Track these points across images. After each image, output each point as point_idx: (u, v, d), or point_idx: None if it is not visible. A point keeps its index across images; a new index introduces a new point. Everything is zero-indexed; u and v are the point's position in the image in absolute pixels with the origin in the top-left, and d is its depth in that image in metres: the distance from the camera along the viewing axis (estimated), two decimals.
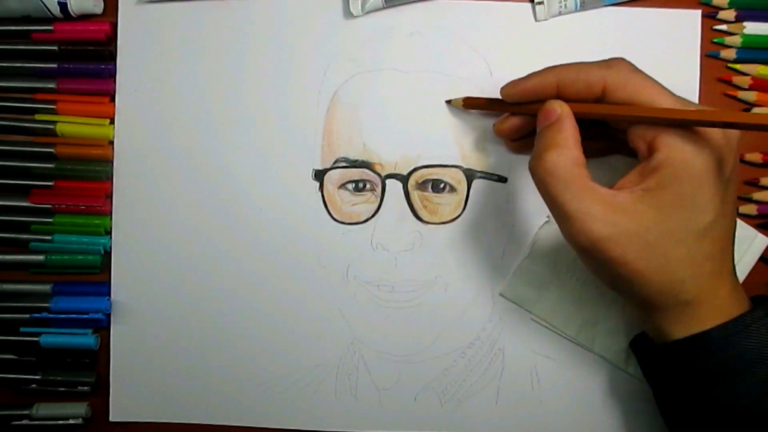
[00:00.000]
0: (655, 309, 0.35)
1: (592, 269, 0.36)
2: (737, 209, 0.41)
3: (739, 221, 0.39)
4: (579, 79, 0.35)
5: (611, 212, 0.32)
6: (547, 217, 0.42)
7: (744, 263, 0.41)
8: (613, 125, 0.37)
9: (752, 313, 0.34)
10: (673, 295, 0.34)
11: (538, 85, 0.36)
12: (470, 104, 0.41)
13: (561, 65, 0.36)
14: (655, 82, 0.34)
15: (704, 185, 0.33)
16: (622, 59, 0.35)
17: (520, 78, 0.37)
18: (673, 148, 0.33)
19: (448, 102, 0.42)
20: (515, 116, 0.40)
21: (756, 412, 0.33)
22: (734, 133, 0.33)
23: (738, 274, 0.37)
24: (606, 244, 0.32)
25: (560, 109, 0.35)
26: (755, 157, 0.42)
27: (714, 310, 0.34)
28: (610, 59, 0.36)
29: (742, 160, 0.42)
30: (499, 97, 0.39)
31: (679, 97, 0.34)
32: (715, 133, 0.33)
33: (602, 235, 0.32)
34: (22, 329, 0.43)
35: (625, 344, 0.42)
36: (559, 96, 0.36)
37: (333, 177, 0.43)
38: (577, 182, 0.33)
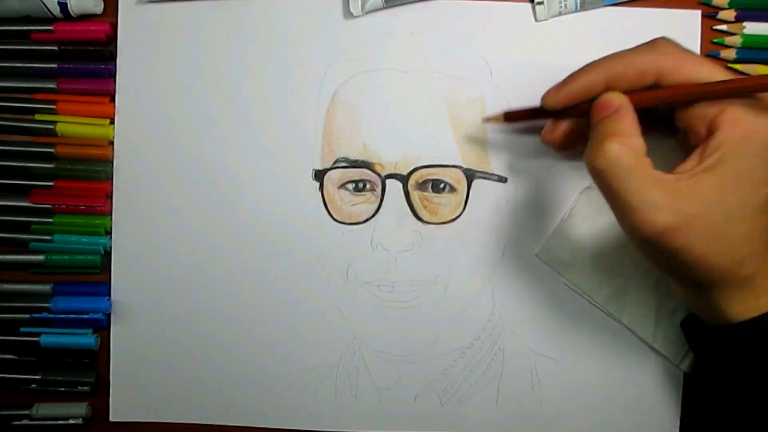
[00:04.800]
0: (712, 289, 0.34)
1: (651, 258, 0.35)
2: None
3: None
4: (628, 71, 0.34)
5: (675, 199, 0.32)
6: (590, 184, 0.42)
7: None
8: (663, 112, 0.36)
9: None
10: (733, 274, 0.33)
11: (584, 86, 0.35)
12: (511, 118, 0.40)
13: (605, 58, 0.35)
14: (705, 58, 0.34)
15: (762, 159, 0.32)
16: (666, 38, 0.35)
17: (562, 82, 0.36)
18: (735, 123, 0.32)
19: (487, 119, 0.41)
20: (563, 121, 0.38)
21: None
22: None
23: None
24: (671, 234, 0.32)
25: (618, 99, 0.34)
26: None
27: None
28: (653, 40, 0.35)
29: None
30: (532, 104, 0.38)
31: (725, 69, 0.34)
32: None
33: (668, 225, 0.32)
34: (22, 329, 0.43)
35: (654, 317, 0.41)
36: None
37: (333, 177, 0.43)
38: (640, 171, 0.32)
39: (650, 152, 0.33)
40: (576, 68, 0.36)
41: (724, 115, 0.33)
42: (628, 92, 0.34)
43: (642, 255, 0.35)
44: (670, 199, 0.32)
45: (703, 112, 0.33)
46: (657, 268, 0.36)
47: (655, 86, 0.34)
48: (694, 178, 0.32)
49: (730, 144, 0.32)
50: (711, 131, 0.33)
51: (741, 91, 0.33)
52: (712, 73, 0.33)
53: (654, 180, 0.32)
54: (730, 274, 0.33)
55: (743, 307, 0.34)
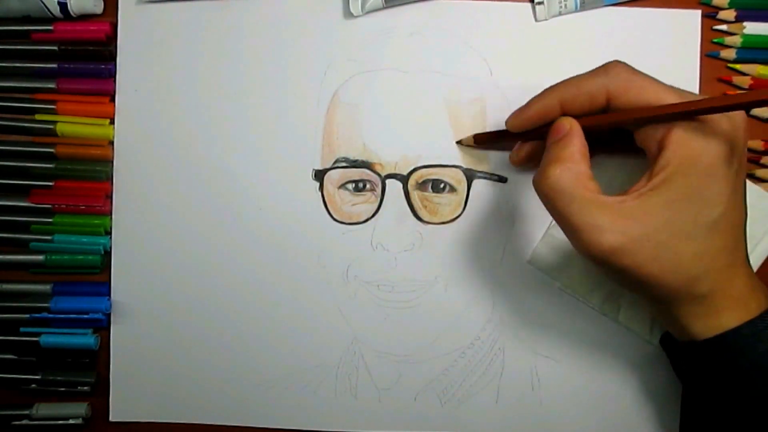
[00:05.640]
0: (671, 306, 0.35)
1: (605, 275, 0.36)
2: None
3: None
4: (580, 93, 0.35)
5: (620, 220, 0.32)
6: None
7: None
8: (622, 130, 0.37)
9: None
10: (687, 292, 0.33)
11: (541, 110, 0.36)
12: (480, 140, 0.41)
13: (559, 83, 0.36)
14: (655, 80, 0.34)
15: (712, 178, 0.33)
16: (618, 62, 0.35)
17: (522, 107, 0.37)
18: (681, 143, 0.33)
19: (459, 142, 0.42)
20: (526, 144, 0.40)
21: None
22: (741, 122, 0.33)
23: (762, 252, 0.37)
24: (618, 254, 0.32)
25: (569, 124, 0.35)
26: (757, 144, 0.42)
27: (730, 301, 0.34)
28: (606, 64, 0.35)
29: None
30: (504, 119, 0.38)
31: (682, 90, 0.34)
32: (723, 124, 0.33)
33: (612, 246, 0.32)
34: (22, 329, 0.43)
35: (649, 316, 0.41)
36: (564, 114, 0.36)
37: (333, 177, 0.43)
38: (582, 195, 0.33)
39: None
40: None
41: (670, 135, 0.33)
42: (581, 116, 0.35)
43: (600, 272, 0.36)
44: (614, 221, 0.32)
45: (652, 133, 0.34)
46: (618, 285, 0.36)
47: (607, 108, 0.35)
48: (641, 198, 0.33)
49: (676, 163, 0.33)
50: (660, 151, 0.33)
51: (680, 116, 0.33)
52: (658, 95, 0.34)
53: (597, 203, 0.33)
54: (684, 292, 0.33)
55: (703, 324, 0.34)
